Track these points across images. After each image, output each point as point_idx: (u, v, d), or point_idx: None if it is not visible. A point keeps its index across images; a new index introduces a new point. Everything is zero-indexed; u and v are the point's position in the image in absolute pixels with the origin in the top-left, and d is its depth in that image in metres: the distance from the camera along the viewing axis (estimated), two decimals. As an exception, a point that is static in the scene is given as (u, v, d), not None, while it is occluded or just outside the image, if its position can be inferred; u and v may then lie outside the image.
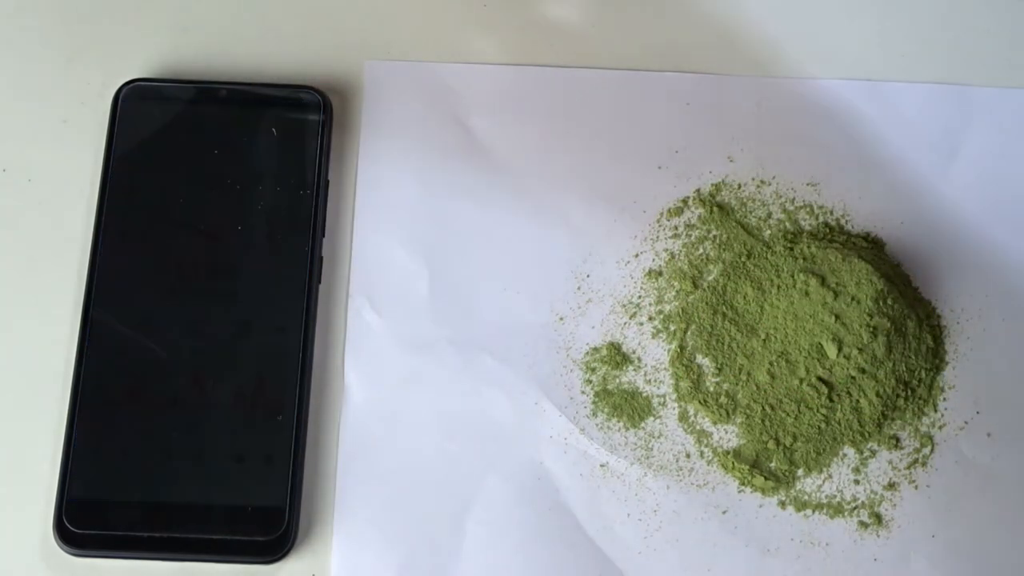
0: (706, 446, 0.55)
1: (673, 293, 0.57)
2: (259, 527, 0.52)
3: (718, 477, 0.55)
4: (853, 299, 0.55)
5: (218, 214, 0.57)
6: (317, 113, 0.59)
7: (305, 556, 0.53)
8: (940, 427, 0.56)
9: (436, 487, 0.54)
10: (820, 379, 0.55)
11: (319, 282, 0.57)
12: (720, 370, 0.56)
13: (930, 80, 0.61)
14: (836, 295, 0.55)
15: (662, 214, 0.59)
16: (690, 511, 0.54)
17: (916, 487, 0.55)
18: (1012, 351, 0.57)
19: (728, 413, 0.56)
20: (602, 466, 0.55)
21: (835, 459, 0.55)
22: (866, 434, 0.55)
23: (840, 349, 0.55)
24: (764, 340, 0.56)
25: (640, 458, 0.55)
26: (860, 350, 0.55)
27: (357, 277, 0.58)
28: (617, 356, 0.56)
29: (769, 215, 0.59)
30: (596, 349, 0.57)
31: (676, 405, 0.56)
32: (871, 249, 0.58)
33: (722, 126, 0.60)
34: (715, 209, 0.59)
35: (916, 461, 0.55)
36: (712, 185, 0.59)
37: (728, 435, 0.56)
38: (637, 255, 0.58)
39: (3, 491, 0.54)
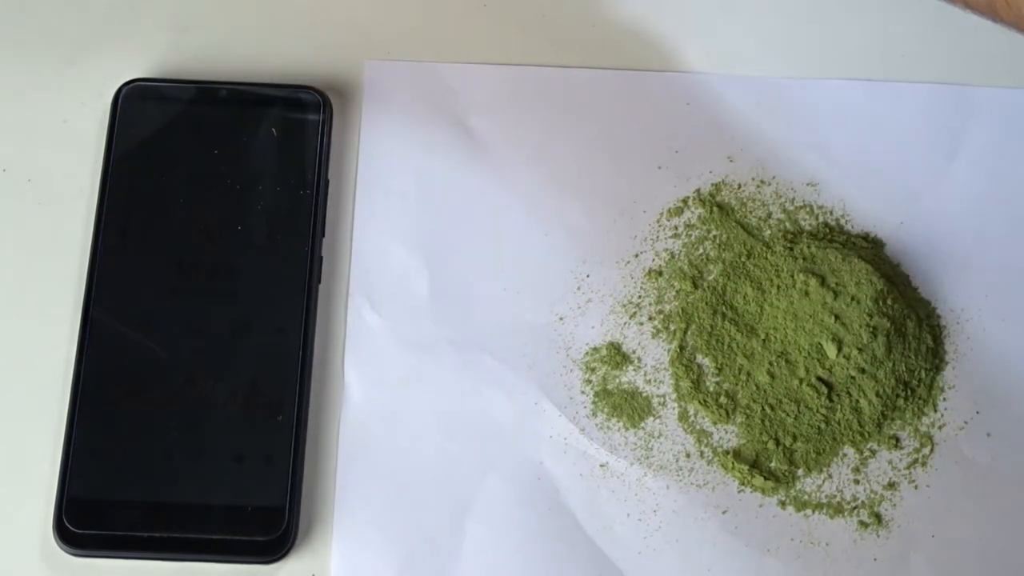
0: (706, 446, 0.55)
1: (673, 293, 0.57)
2: (259, 527, 0.52)
3: (718, 477, 0.55)
4: (853, 299, 0.55)
5: (218, 214, 0.57)
6: (317, 113, 0.59)
7: (305, 556, 0.53)
8: (940, 427, 0.56)
9: (436, 487, 0.54)
10: (820, 379, 0.55)
11: (319, 282, 0.57)
12: (720, 370, 0.56)
13: (930, 80, 0.61)
14: (836, 295, 0.55)
15: (662, 214, 0.59)
16: (690, 511, 0.54)
17: (916, 487, 0.55)
18: (1012, 351, 0.57)
19: (728, 413, 0.56)
20: (602, 466, 0.55)
21: (835, 459, 0.55)
22: (866, 434, 0.55)
23: (840, 349, 0.55)
24: (764, 340, 0.56)
25: (640, 458, 0.55)
26: (860, 350, 0.55)
27: (357, 277, 0.58)
28: (617, 356, 0.56)
29: (769, 215, 0.59)
30: (596, 349, 0.57)
31: (676, 405, 0.56)
32: (871, 249, 0.58)
33: (722, 126, 0.60)
34: (715, 209, 0.59)
35: (916, 461, 0.55)
36: (712, 185, 0.59)
37: (728, 435, 0.56)
38: (637, 255, 0.58)
39: (3, 491, 0.54)
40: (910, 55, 0.62)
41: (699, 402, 0.56)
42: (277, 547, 0.52)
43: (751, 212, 0.59)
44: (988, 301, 0.58)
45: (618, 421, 0.56)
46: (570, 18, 0.62)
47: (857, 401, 0.55)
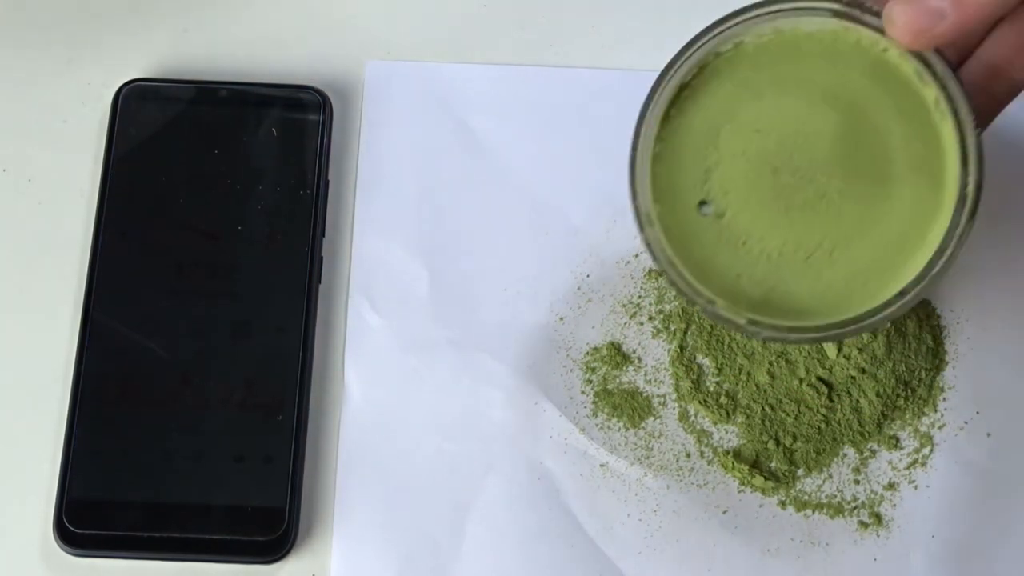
0: (706, 446, 0.55)
1: (673, 293, 0.57)
2: (259, 527, 0.52)
3: (718, 477, 0.55)
4: (853, 298, 0.55)
5: (218, 214, 0.57)
6: (317, 113, 0.59)
7: (305, 556, 0.53)
8: (940, 427, 0.56)
9: (436, 487, 0.54)
10: (820, 379, 0.55)
11: (319, 282, 0.57)
12: (720, 370, 0.56)
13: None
14: (836, 295, 0.56)
15: (662, 214, 0.59)
16: (690, 511, 0.54)
17: (916, 487, 0.55)
18: (1012, 351, 0.57)
19: (728, 413, 0.56)
20: (602, 466, 0.55)
21: (835, 459, 0.55)
22: (866, 434, 0.55)
23: (840, 349, 0.55)
24: (764, 340, 0.56)
25: (640, 458, 0.55)
26: (860, 350, 0.55)
27: (357, 277, 0.58)
28: (617, 356, 0.56)
29: (769, 215, 0.59)
30: (596, 349, 0.57)
31: (676, 405, 0.56)
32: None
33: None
34: (715, 209, 0.59)
35: (916, 461, 0.55)
36: (712, 185, 0.59)
37: (728, 435, 0.56)
38: (637, 255, 0.58)
39: (3, 491, 0.54)
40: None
41: (699, 402, 0.56)
42: (277, 547, 0.52)
43: (751, 212, 0.59)
44: (988, 301, 0.58)
45: (618, 421, 0.56)
46: (570, 18, 0.63)
47: (857, 401, 0.55)
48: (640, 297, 0.58)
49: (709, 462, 0.55)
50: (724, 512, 0.55)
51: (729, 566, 0.54)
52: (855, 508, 0.55)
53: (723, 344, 0.56)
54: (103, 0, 0.62)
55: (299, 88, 0.60)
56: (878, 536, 0.54)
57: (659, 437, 0.56)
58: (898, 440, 0.55)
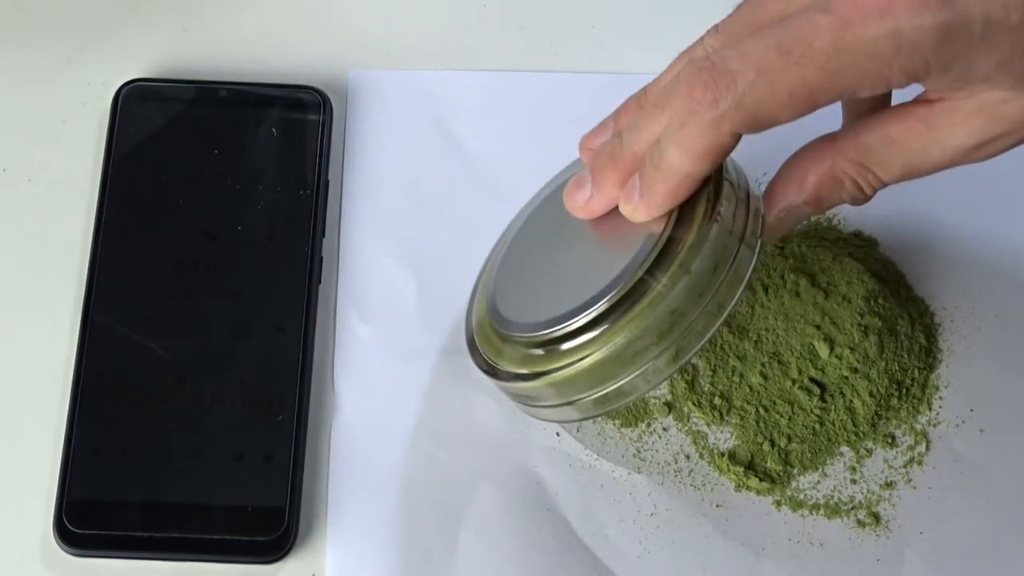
0: (702, 448, 0.55)
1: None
2: (259, 527, 0.53)
3: (713, 478, 0.55)
4: (844, 298, 0.55)
5: (218, 214, 0.57)
6: (317, 113, 0.59)
7: (305, 556, 0.53)
8: (935, 425, 0.56)
9: (428, 496, 0.54)
10: (813, 380, 0.55)
11: (319, 282, 0.57)
12: (714, 372, 0.56)
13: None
14: (827, 295, 0.56)
15: (656, 216, 0.59)
16: (685, 512, 0.54)
17: (914, 486, 0.55)
18: (1005, 349, 0.57)
19: (722, 415, 0.56)
20: (596, 470, 0.55)
21: (831, 459, 0.55)
22: (861, 434, 0.55)
23: (832, 349, 0.55)
24: (756, 341, 0.56)
25: (634, 461, 0.55)
26: (852, 349, 0.55)
27: (345, 287, 0.58)
28: (612, 358, 0.56)
29: (762, 215, 0.59)
30: (590, 351, 0.57)
31: (671, 407, 0.56)
32: (864, 248, 0.58)
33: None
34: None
35: (912, 460, 0.55)
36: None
37: (723, 436, 0.56)
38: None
39: (3, 491, 0.54)
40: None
41: (693, 403, 0.56)
42: (277, 547, 0.52)
43: (745, 212, 0.59)
44: (981, 299, 0.58)
45: (612, 424, 0.56)
46: (569, 19, 0.63)
47: (851, 401, 0.55)
48: (635, 298, 0.58)
49: (706, 464, 0.55)
50: (719, 513, 0.54)
51: (725, 568, 0.53)
52: (852, 508, 0.55)
53: (715, 346, 0.56)
54: (103, 0, 0.62)
55: (299, 88, 0.60)
56: (876, 536, 0.54)
57: (654, 439, 0.56)
58: (894, 438, 0.56)
